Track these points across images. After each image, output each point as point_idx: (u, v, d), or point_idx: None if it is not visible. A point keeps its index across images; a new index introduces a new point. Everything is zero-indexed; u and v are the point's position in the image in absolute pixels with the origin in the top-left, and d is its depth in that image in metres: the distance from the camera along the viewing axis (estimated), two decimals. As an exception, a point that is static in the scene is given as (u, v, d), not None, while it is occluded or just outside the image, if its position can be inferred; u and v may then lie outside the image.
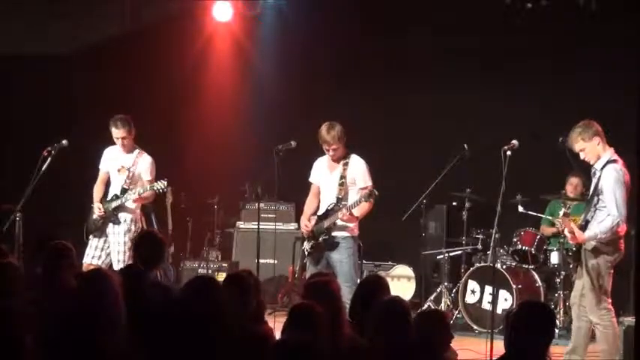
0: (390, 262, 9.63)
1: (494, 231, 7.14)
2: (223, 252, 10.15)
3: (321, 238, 7.20)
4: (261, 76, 10.29)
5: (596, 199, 6.46)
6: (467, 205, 9.19)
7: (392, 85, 10.05)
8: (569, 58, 9.34)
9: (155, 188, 7.72)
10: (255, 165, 9.20)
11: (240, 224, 10.01)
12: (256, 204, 8.21)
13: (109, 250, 7.72)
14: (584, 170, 6.96)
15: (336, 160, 7.30)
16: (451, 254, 9.34)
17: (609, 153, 6.51)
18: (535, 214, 8.69)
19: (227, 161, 10.21)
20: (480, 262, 8.87)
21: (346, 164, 7.26)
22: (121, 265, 7.47)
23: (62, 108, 9.86)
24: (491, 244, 7.69)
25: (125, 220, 7.77)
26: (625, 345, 7.11)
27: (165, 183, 7.72)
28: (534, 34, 9.31)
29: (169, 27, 10.15)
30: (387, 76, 10.12)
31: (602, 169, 6.45)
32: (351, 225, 7.22)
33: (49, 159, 7.85)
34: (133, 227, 7.79)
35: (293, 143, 7.59)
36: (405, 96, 9.99)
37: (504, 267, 8.44)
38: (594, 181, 6.53)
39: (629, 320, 7.03)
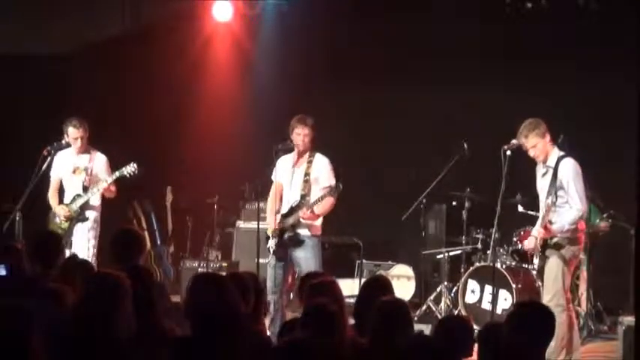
0: (389, 262, 9.62)
1: (494, 230, 7.15)
2: (223, 251, 10.14)
3: (285, 236, 7.24)
4: (261, 76, 10.28)
5: (554, 197, 6.48)
6: (467, 204, 9.18)
7: (392, 85, 10.05)
8: (569, 58, 9.34)
9: (126, 172, 7.72)
10: (255, 164, 9.18)
11: (240, 224, 10.00)
12: (256, 203, 8.20)
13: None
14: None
15: (301, 154, 7.31)
16: (451, 254, 9.33)
17: (556, 149, 6.60)
18: (535, 213, 8.68)
19: (227, 161, 10.21)
20: (479, 262, 8.87)
21: (310, 162, 7.32)
22: None
23: (62, 108, 9.86)
24: (491, 243, 7.69)
25: (89, 218, 7.78)
26: (625, 345, 7.11)
27: (135, 165, 7.72)
28: (534, 33, 9.32)
29: (169, 27, 10.14)
30: (387, 76, 10.12)
31: (555, 165, 6.50)
32: (316, 224, 7.27)
33: (49, 158, 7.86)
34: (96, 226, 7.81)
35: (296, 144, 7.58)
36: (405, 96, 9.99)
37: (504, 267, 8.43)
38: (548, 178, 6.56)
39: (629, 320, 7.03)
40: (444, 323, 4.54)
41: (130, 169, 7.73)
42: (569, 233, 6.51)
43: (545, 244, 6.54)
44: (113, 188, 7.85)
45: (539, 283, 8.45)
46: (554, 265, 6.51)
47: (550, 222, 6.50)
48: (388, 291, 5.01)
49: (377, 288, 5.01)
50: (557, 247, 6.54)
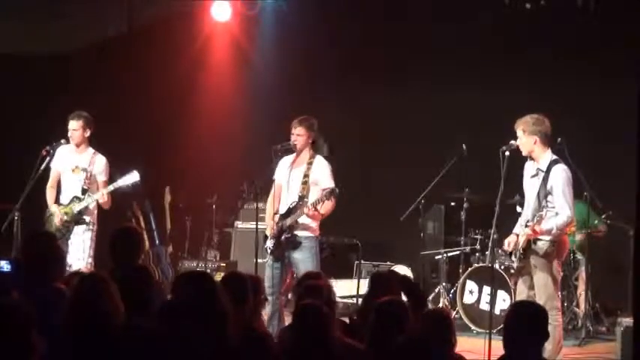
0: (388, 262, 9.62)
1: (492, 231, 7.14)
2: (222, 251, 10.15)
3: (283, 237, 7.22)
4: (260, 76, 10.28)
5: (543, 200, 6.47)
6: (465, 205, 9.20)
7: (392, 85, 10.06)
8: (569, 58, 9.35)
9: (128, 183, 7.72)
10: (254, 164, 9.19)
11: (239, 224, 10.01)
12: (254, 203, 8.20)
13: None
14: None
15: (299, 154, 7.33)
16: (449, 254, 9.34)
17: (549, 153, 6.58)
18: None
19: (225, 161, 10.21)
20: (478, 263, 8.87)
21: (310, 164, 7.30)
22: (82, 264, 7.52)
23: (62, 108, 9.87)
24: (490, 244, 7.68)
25: (86, 220, 7.77)
26: (623, 346, 7.11)
27: (137, 176, 7.71)
28: (534, 34, 9.32)
29: (168, 26, 10.15)
30: (387, 76, 10.13)
31: (547, 169, 6.49)
32: (313, 225, 7.25)
33: (48, 158, 7.86)
34: (93, 228, 7.79)
35: (291, 143, 7.58)
36: (404, 95, 10.00)
37: (502, 267, 8.43)
38: (537, 180, 6.55)
39: (628, 321, 7.03)
40: (424, 317, 4.56)
41: (131, 179, 7.73)
42: (553, 237, 6.49)
43: (528, 246, 6.51)
44: (108, 198, 7.79)
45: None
46: (541, 276, 6.50)
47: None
48: (393, 290, 4.99)
49: (383, 286, 4.98)
50: (547, 255, 6.50)
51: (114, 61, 10.08)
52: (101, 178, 7.85)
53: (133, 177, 7.76)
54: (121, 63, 10.05)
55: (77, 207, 7.76)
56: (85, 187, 7.78)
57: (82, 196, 7.77)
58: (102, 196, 7.72)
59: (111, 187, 7.75)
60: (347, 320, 5.23)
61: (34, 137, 8.63)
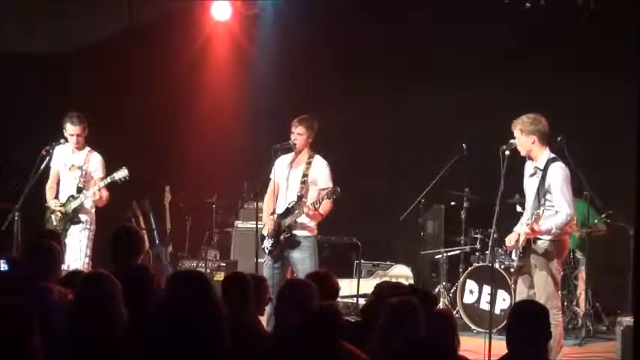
0: (388, 262, 9.64)
1: (492, 231, 7.14)
2: (222, 251, 10.14)
3: (282, 237, 7.23)
4: (260, 76, 10.28)
5: (542, 199, 6.47)
6: (465, 204, 9.21)
7: (392, 85, 10.06)
8: (569, 58, 9.34)
9: (117, 178, 7.73)
10: (254, 164, 9.19)
11: (239, 223, 10.00)
12: (254, 203, 8.21)
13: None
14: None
15: (298, 154, 7.33)
16: (449, 254, 9.34)
17: (547, 151, 6.59)
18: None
19: (225, 160, 10.21)
20: (478, 262, 8.88)
21: (309, 163, 7.32)
22: (79, 264, 7.51)
23: (62, 108, 9.87)
24: (490, 243, 7.68)
25: (82, 220, 7.78)
26: (623, 345, 7.11)
27: (127, 171, 7.73)
28: (534, 34, 9.32)
29: (168, 26, 10.14)
30: (387, 76, 10.12)
31: (545, 167, 6.49)
32: (311, 225, 7.28)
33: (48, 158, 7.87)
34: (90, 227, 7.81)
35: (291, 142, 7.58)
36: (405, 96, 10.00)
37: (502, 267, 8.43)
38: (536, 179, 6.56)
39: (628, 320, 7.03)
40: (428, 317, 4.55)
41: (121, 174, 7.72)
42: (553, 236, 6.48)
43: (528, 245, 6.51)
44: (105, 195, 7.80)
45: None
46: (541, 275, 6.50)
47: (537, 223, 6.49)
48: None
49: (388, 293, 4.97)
50: (547, 255, 6.50)
51: (114, 61, 10.08)
52: (97, 175, 7.86)
53: (122, 173, 7.77)
54: (121, 63, 10.05)
55: (72, 205, 7.78)
56: (81, 185, 7.79)
57: (77, 195, 7.78)
58: (93, 194, 7.70)
59: (101, 184, 7.75)
60: (350, 320, 5.24)
61: (34, 137, 8.64)
